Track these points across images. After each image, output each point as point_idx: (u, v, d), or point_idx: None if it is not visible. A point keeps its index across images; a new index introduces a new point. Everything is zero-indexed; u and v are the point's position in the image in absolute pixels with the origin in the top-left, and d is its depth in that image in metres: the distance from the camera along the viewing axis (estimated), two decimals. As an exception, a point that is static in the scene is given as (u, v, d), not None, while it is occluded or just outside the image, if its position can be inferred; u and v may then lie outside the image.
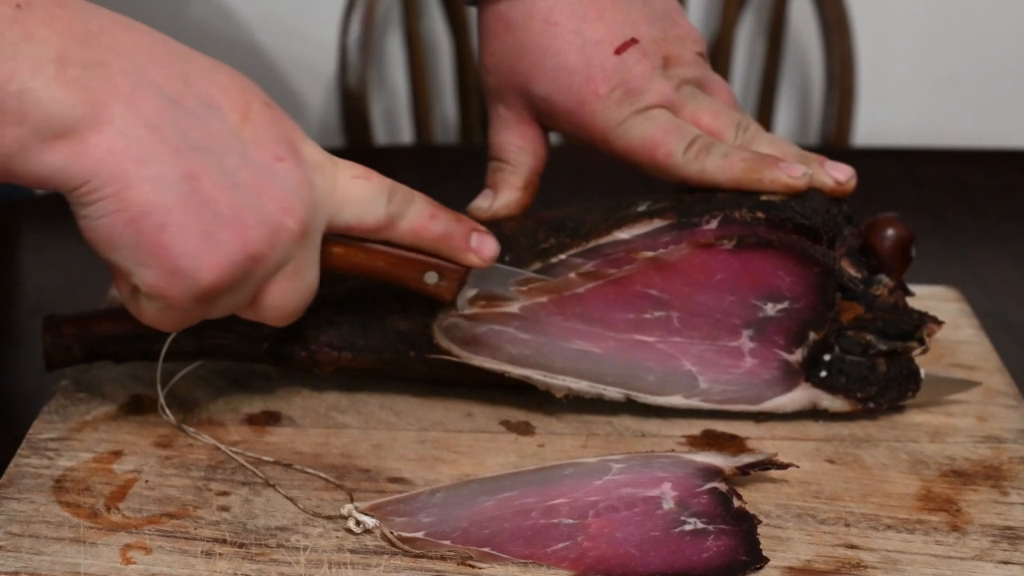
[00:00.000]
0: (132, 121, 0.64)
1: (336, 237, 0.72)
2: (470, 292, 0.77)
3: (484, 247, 0.75)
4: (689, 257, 0.76)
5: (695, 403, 0.79)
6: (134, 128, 0.64)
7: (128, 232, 0.65)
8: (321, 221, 0.70)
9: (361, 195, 0.71)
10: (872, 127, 1.76)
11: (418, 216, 0.73)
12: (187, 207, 0.65)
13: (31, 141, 0.62)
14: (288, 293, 0.70)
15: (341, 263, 0.73)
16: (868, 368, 0.79)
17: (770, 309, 0.77)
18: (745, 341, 0.78)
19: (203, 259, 0.65)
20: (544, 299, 0.77)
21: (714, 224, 0.76)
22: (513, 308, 0.77)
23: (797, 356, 0.78)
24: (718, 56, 1.69)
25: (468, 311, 0.77)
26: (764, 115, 1.72)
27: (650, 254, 0.76)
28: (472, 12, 1.59)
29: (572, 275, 0.77)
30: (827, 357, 0.79)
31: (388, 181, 0.72)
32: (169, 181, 0.64)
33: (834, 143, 1.63)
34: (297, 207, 0.68)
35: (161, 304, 0.67)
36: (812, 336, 0.78)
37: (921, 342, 0.79)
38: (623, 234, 0.77)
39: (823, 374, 0.79)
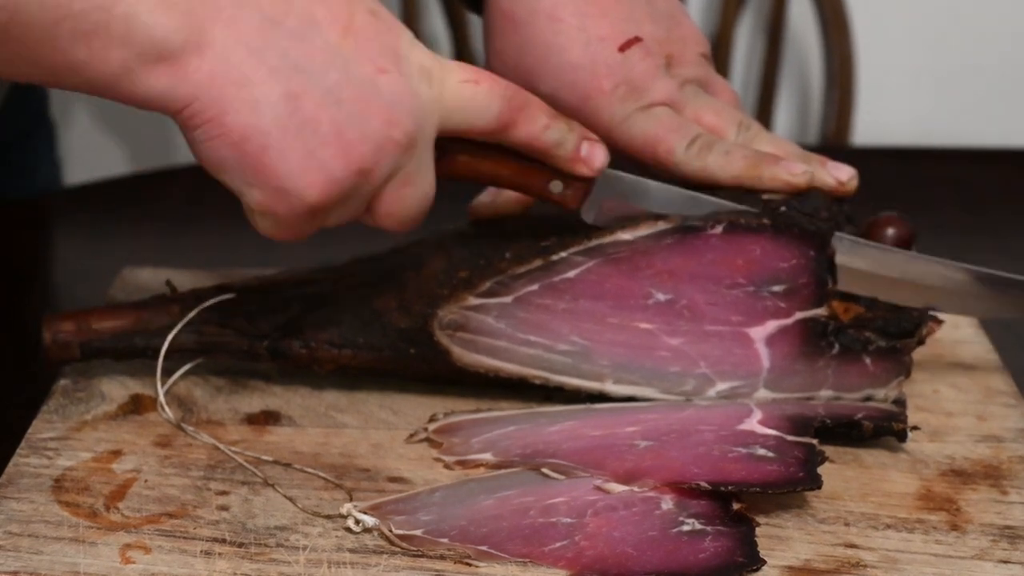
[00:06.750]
0: (232, 44, 0.64)
1: (460, 144, 0.72)
2: (596, 203, 0.76)
3: (594, 157, 0.74)
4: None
5: (698, 401, 0.79)
6: (234, 51, 0.64)
7: (232, 155, 0.66)
8: (429, 129, 0.70)
9: (471, 100, 0.71)
10: (871, 126, 1.76)
11: (531, 124, 0.72)
12: (288, 128, 0.66)
13: (136, 64, 0.63)
14: (402, 200, 0.70)
15: (466, 170, 0.74)
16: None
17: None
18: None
19: (306, 178, 0.66)
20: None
21: (719, 229, 0.76)
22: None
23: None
24: (717, 55, 1.69)
25: (595, 221, 0.77)
26: (763, 114, 1.72)
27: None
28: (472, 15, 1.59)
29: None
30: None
31: (502, 85, 0.71)
32: (269, 103, 0.65)
33: (833, 142, 1.63)
34: (402, 119, 0.68)
35: (272, 220, 0.69)
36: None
37: (921, 341, 0.79)
38: (626, 235, 0.77)
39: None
